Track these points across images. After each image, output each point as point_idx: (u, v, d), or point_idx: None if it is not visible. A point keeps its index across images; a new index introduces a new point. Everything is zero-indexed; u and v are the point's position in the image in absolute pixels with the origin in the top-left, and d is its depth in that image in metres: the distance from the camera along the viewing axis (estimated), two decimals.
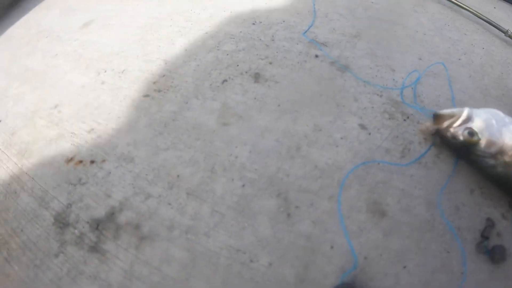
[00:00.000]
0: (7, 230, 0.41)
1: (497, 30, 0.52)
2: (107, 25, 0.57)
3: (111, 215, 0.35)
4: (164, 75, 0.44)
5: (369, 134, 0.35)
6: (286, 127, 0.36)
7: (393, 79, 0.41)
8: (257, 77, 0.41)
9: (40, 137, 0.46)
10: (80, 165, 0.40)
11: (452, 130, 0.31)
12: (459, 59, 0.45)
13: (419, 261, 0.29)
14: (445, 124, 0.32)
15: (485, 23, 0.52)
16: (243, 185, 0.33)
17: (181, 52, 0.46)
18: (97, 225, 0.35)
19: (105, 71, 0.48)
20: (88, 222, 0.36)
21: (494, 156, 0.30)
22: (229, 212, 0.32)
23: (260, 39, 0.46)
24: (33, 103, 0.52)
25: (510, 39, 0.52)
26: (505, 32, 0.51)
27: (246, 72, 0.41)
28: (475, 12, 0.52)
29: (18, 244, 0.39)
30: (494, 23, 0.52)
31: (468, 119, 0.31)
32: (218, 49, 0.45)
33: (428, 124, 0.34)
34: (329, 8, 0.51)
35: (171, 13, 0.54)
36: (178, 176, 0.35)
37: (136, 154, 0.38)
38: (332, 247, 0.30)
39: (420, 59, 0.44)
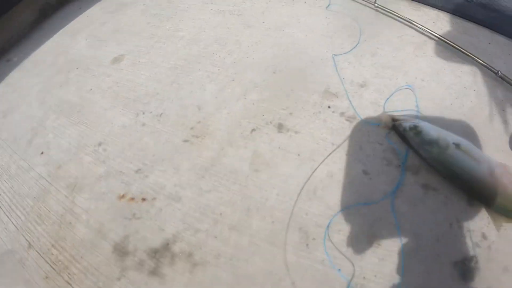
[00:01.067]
0: (66, 257, 0.49)
1: (489, 70, 0.60)
2: (137, 63, 0.62)
3: (166, 245, 0.44)
4: (199, 122, 0.51)
5: (370, 179, 0.44)
6: (305, 174, 0.44)
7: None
8: (280, 127, 0.49)
9: (89, 174, 0.53)
10: (132, 202, 0.48)
11: (403, 123, 0.46)
12: (451, 104, 0.54)
13: None
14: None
15: (477, 63, 0.61)
16: (273, 222, 0.42)
17: (212, 100, 0.53)
18: (154, 253, 0.44)
19: (143, 113, 0.55)
20: (145, 251, 0.44)
21: (431, 146, 0.42)
22: (263, 243, 0.41)
23: (281, 89, 0.53)
24: (75, 139, 0.58)
25: (500, 79, 0.60)
26: (496, 73, 0.59)
27: (271, 122, 0.49)
28: (468, 54, 0.61)
29: (79, 269, 0.47)
30: (486, 65, 0.60)
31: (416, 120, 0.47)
32: (245, 98, 0.52)
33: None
34: (338, 58, 0.59)
35: (198, 56, 0.60)
36: (221, 214, 0.44)
37: (183, 194, 0.46)
38: (340, 270, 0.40)
39: (416, 107, 0.52)
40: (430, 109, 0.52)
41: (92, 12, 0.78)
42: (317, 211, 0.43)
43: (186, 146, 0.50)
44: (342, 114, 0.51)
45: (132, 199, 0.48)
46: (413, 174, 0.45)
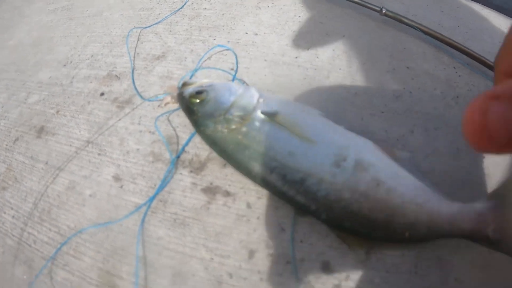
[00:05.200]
0: None
1: (372, 11, 0.39)
2: None
3: None
4: None
5: (121, 187, 0.30)
6: (44, 187, 0.32)
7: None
8: (40, 131, 0.37)
9: None
10: None
11: (184, 90, 0.28)
12: (296, 57, 0.36)
13: None
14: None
15: (356, 5, 0.39)
16: (3, 252, 0.30)
17: None
18: None
19: None
20: None
21: (215, 120, 0.25)
22: None
23: (62, 84, 0.41)
24: None
25: (390, 20, 0.39)
26: (379, 11, 0.38)
27: (35, 127, 0.37)
28: None
29: None
30: (363, 2, 0.39)
31: (208, 85, 0.28)
32: (24, 103, 0.41)
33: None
34: (146, 29, 0.44)
35: (10, 63, 0.50)
36: None
37: None
38: None
39: (232, 69, 0.35)
40: (259, 69, 0.34)
41: None
42: (45, 237, 0.29)
43: None
44: (115, 100, 0.36)
45: None
46: (191, 172, 0.29)
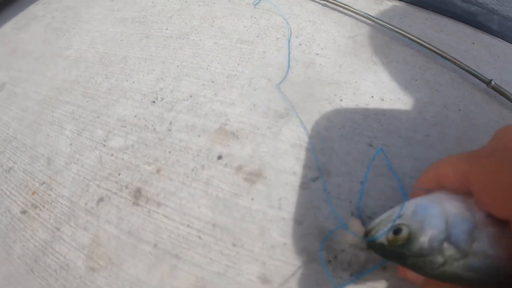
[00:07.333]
0: None
1: (477, 80, 0.36)
2: (12, 94, 0.44)
3: None
4: (44, 183, 0.33)
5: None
6: (160, 281, 0.25)
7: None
8: (137, 195, 0.29)
9: None
10: None
11: (376, 234, 0.20)
12: (427, 136, 0.31)
13: None
14: (372, 230, 0.20)
15: (462, 70, 0.35)
16: None
17: (65, 148, 0.34)
18: None
19: None
20: None
21: (440, 250, 0.17)
22: None
23: (155, 129, 0.32)
24: None
25: (493, 91, 0.35)
26: (487, 83, 0.33)
27: (127, 187, 0.29)
28: (451, 58, 0.34)
29: None
30: (474, 71, 0.35)
31: (397, 216, 0.19)
32: (104, 145, 0.33)
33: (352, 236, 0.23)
34: (255, 71, 0.37)
35: (73, 82, 0.41)
36: None
37: None
38: None
39: (370, 145, 0.30)
40: (398, 149, 0.27)
41: (2, 30, 0.63)
42: None
43: (22, 220, 0.32)
44: (239, 169, 0.28)
45: None
46: (352, 276, 0.22)
